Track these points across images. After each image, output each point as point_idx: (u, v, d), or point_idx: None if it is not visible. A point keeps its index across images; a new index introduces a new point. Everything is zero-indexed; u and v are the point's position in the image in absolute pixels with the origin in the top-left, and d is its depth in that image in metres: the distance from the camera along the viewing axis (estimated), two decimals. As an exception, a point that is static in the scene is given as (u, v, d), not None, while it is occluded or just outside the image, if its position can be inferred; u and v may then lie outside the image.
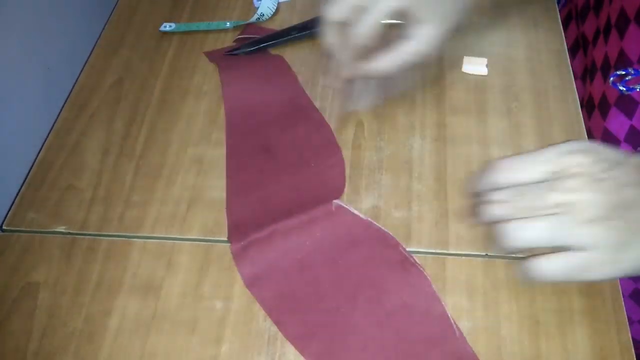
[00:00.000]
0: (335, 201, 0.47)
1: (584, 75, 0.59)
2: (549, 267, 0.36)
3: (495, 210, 0.37)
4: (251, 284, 0.43)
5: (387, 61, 0.46)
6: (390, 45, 0.46)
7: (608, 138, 0.54)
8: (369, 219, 0.46)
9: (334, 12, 0.46)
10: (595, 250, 0.35)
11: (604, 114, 0.54)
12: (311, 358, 0.40)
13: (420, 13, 0.45)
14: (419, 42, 0.45)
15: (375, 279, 0.43)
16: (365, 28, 0.45)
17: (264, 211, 0.47)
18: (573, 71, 0.55)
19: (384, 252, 0.44)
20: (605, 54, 0.54)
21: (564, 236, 0.35)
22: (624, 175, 0.35)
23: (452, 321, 0.41)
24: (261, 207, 0.47)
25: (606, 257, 0.35)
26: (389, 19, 0.45)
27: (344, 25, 0.46)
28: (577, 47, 0.62)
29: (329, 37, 0.47)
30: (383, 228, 0.46)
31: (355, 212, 0.46)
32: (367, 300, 0.42)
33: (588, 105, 0.56)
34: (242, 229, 0.46)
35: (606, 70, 0.53)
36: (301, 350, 0.41)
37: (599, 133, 0.55)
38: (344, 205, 0.47)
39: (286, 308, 0.42)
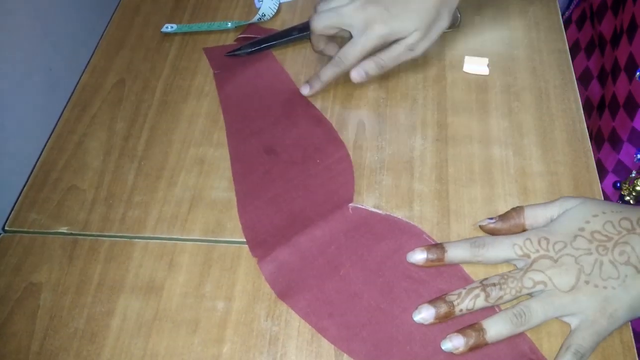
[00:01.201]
0: (350, 204, 0.47)
1: (602, 75, 0.58)
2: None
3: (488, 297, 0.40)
4: (284, 295, 0.43)
5: (380, 62, 0.52)
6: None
7: (636, 138, 0.53)
8: (388, 213, 0.46)
9: (321, 27, 0.52)
10: (583, 314, 0.39)
11: (631, 114, 0.53)
12: (360, 358, 0.40)
13: (403, 32, 0.50)
14: (407, 48, 0.51)
15: (407, 270, 0.43)
16: (351, 60, 0.52)
17: (277, 213, 0.47)
18: (590, 71, 0.53)
19: (409, 242, 0.44)
20: (630, 53, 0.53)
21: (554, 310, 0.39)
22: (575, 250, 0.40)
23: None
24: (274, 208, 0.47)
25: (597, 315, 0.38)
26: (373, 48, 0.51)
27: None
28: (593, 47, 0.61)
29: (318, 45, 0.55)
30: (404, 219, 0.46)
31: (372, 209, 0.47)
32: (405, 292, 0.42)
33: (611, 106, 0.55)
34: (260, 236, 0.46)
35: (631, 70, 0.52)
36: (349, 352, 0.40)
37: (625, 133, 0.54)
38: (360, 206, 0.47)
39: (324, 313, 0.42)
